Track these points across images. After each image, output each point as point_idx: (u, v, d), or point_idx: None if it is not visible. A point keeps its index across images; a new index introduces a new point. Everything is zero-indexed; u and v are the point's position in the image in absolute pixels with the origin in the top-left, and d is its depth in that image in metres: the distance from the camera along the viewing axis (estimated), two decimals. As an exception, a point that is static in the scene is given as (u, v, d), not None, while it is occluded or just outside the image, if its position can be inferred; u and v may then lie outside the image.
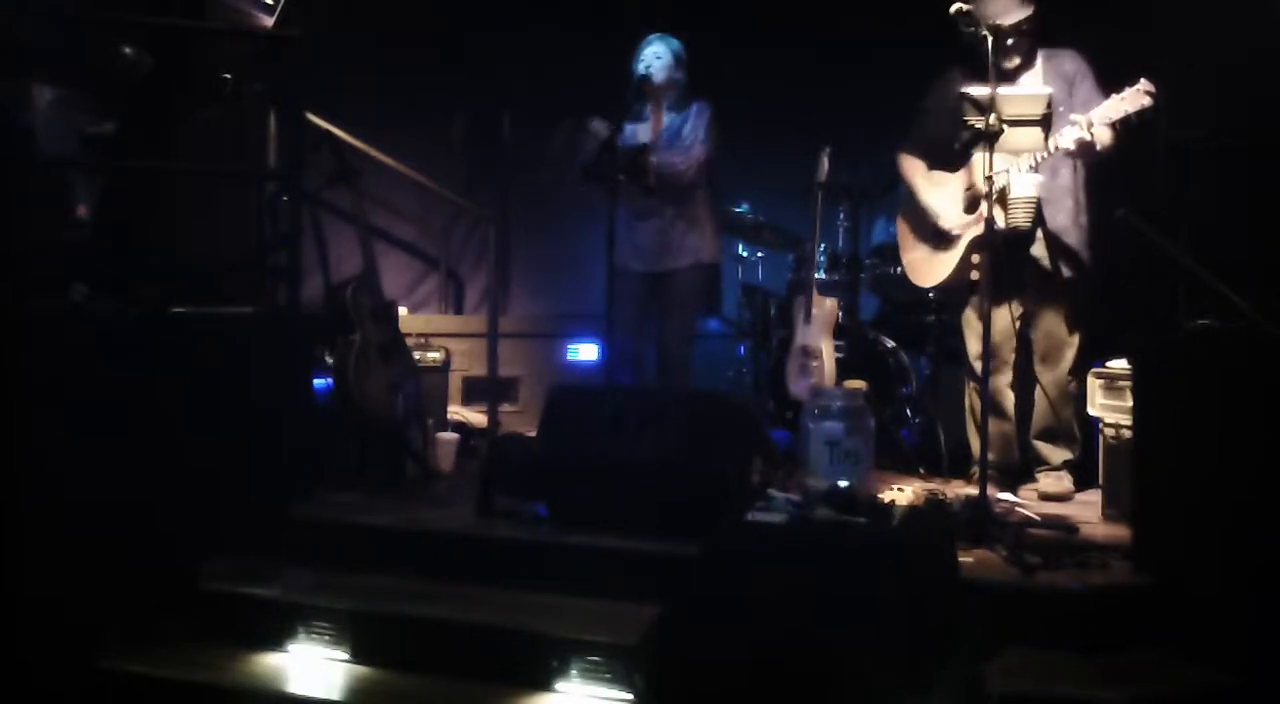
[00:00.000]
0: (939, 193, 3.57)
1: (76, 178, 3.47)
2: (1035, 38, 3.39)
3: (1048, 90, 3.33)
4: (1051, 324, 3.47)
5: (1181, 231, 2.64)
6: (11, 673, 2.63)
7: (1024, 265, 3.45)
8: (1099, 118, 3.10)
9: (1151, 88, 2.97)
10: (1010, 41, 3.32)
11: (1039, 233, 3.41)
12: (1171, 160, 2.71)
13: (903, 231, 3.81)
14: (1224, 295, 2.48)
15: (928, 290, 4.10)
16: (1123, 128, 3.09)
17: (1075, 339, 3.46)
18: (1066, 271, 3.42)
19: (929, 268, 3.66)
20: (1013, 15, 3.28)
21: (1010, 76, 3.40)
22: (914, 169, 3.66)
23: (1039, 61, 3.43)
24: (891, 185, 4.73)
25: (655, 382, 4.12)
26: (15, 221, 3.08)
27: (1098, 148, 3.17)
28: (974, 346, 3.54)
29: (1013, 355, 3.54)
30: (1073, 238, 3.41)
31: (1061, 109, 3.30)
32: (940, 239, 3.59)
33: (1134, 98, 3.03)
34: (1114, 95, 3.09)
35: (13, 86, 3.24)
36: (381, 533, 3.08)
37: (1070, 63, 3.40)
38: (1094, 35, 3.47)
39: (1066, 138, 3.16)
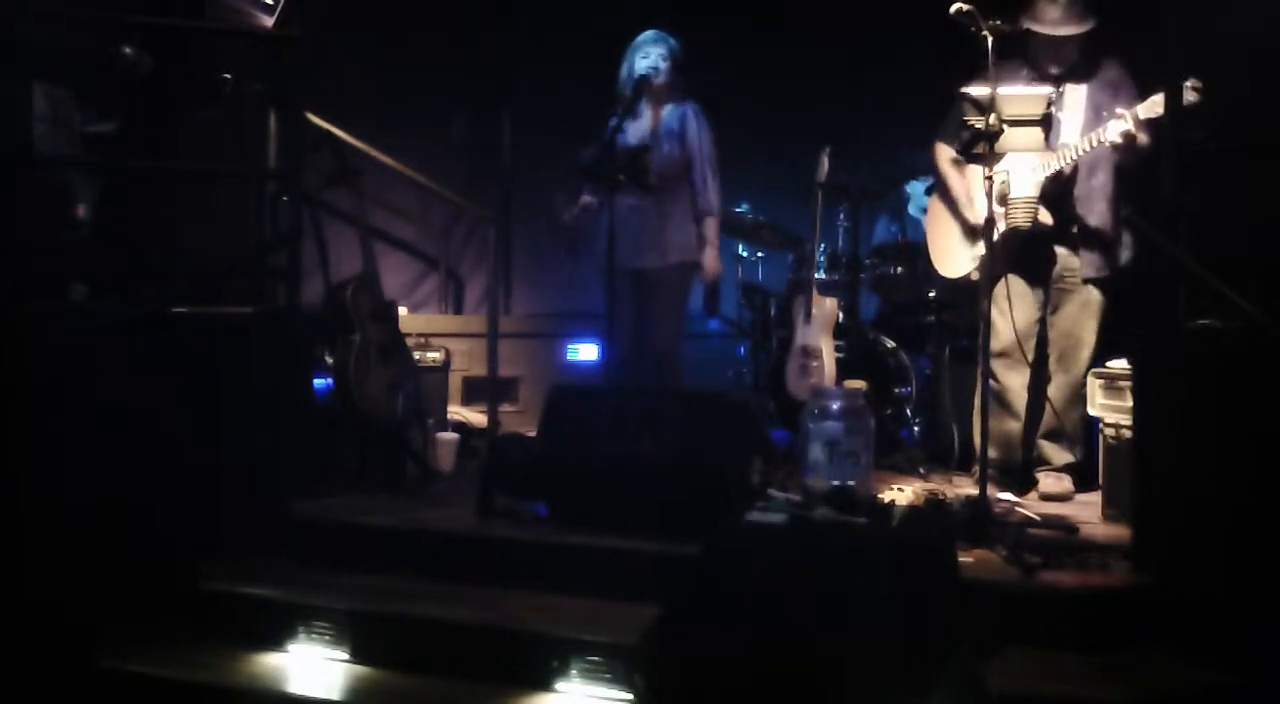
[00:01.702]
0: (965, 180, 3.59)
1: (76, 178, 3.47)
2: (1085, 47, 3.41)
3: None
4: (1071, 324, 3.48)
5: (1181, 231, 2.64)
6: (11, 673, 2.63)
7: (1049, 263, 3.46)
8: (1144, 112, 3.12)
9: (1198, 84, 2.98)
10: (1060, 47, 3.37)
11: (1074, 230, 3.43)
12: (1173, 160, 2.71)
13: (934, 215, 3.82)
14: (1224, 295, 2.48)
15: (928, 290, 4.10)
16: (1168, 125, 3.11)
17: (1092, 340, 3.47)
18: (1093, 271, 3.43)
19: (954, 257, 3.68)
20: (1073, 27, 3.33)
21: (1055, 80, 3.42)
22: (945, 157, 3.67)
23: (1088, 68, 3.45)
24: (892, 185, 4.76)
25: (650, 380, 4.11)
26: (15, 221, 3.08)
27: (1139, 143, 3.19)
28: (993, 344, 3.54)
29: (1031, 356, 3.54)
30: (1105, 238, 3.42)
31: (1105, 113, 3.33)
32: (967, 227, 3.61)
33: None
34: (1160, 93, 3.09)
35: (13, 86, 3.24)
36: (381, 533, 3.08)
37: (1115, 71, 3.44)
38: (1099, 35, 3.47)
39: (1113, 131, 3.19)
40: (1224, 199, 2.65)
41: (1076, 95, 3.42)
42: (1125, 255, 3.47)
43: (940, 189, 3.79)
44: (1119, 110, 3.20)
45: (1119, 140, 3.19)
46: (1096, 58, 3.46)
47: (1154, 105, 3.11)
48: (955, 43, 3.27)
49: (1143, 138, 3.19)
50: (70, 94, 3.38)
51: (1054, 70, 3.44)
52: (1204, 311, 2.59)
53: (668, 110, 4.07)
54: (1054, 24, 3.33)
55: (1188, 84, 3.00)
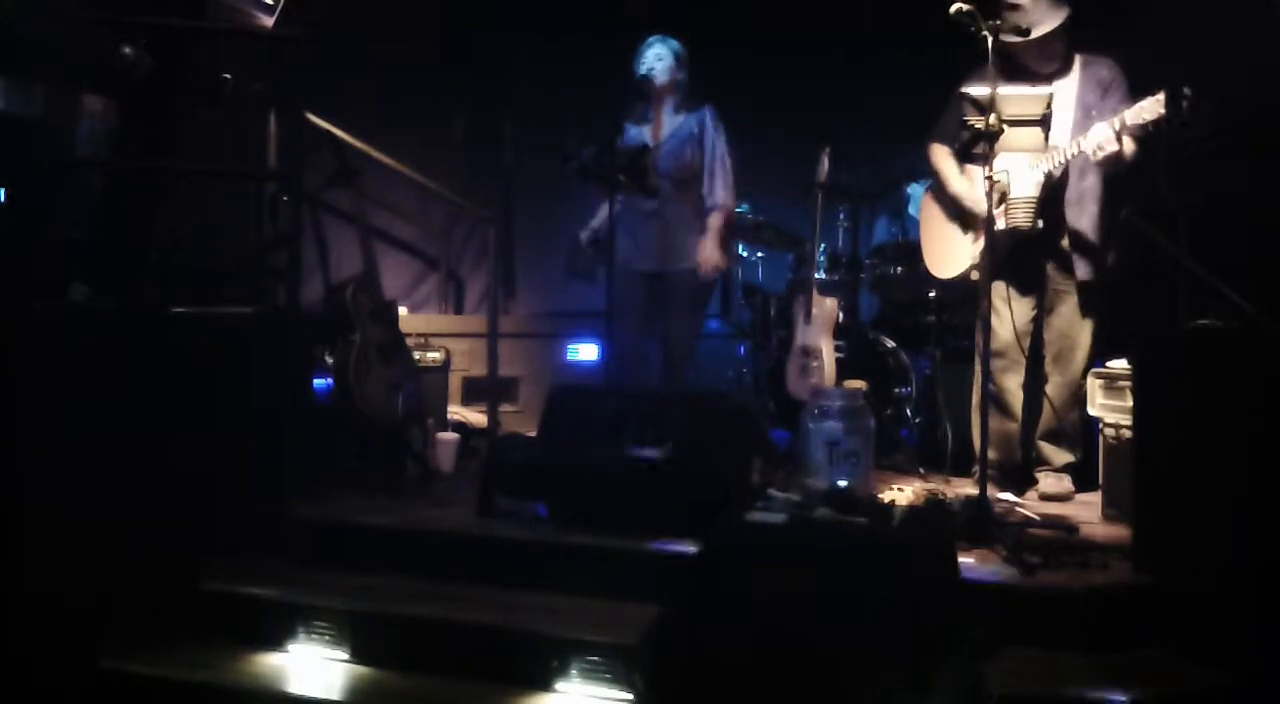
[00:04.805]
0: (967, 179, 3.58)
1: (77, 178, 3.47)
2: (1070, 42, 3.39)
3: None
4: (1066, 325, 3.47)
5: (1181, 231, 2.64)
6: (11, 673, 2.63)
7: (1041, 265, 3.46)
8: (1131, 119, 3.08)
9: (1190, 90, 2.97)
10: (1042, 46, 3.32)
11: (1064, 233, 3.42)
12: (1173, 161, 2.71)
13: (928, 216, 3.81)
14: (1224, 295, 2.48)
15: (928, 290, 4.10)
16: (1153, 130, 3.09)
17: (1088, 340, 3.46)
18: (1085, 273, 3.42)
19: (949, 257, 3.67)
20: (1047, 23, 3.29)
21: (1046, 79, 3.40)
22: (943, 156, 3.66)
23: (1076, 66, 3.43)
24: (892, 185, 4.76)
25: (660, 380, 4.12)
26: (16, 221, 3.08)
27: (1124, 154, 3.16)
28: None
29: (1025, 357, 3.54)
30: (1095, 240, 3.41)
31: (1094, 113, 3.31)
32: (966, 225, 3.59)
33: (1161, 104, 3.02)
34: (1149, 98, 3.06)
35: (14, 86, 3.24)
36: (381, 533, 3.08)
37: (1107, 70, 3.41)
38: (1096, 36, 3.47)
39: (1091, 140, 3.15)
40: (1224, 199, 2.65)
41: (1065, 95, 3.38)
42: (1111, 257, 3.45)
43: (936, 190, 3.78)
44: (1112, 119, 3.15)
45: (1109, 153, 3.14)
46: (1079, 55, 3.43)
47: (1140, 112, 3.06)
48: (955, 43, 3.27)
49: (1129, 148, 3.15)
50: (114, 103, 3.38)
51: (1045, 70, 3.41)
52: (1204, 311, 2.60)
53: (682, 115, 4.07)
54: (1031, 23, 3.23)
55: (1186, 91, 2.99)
